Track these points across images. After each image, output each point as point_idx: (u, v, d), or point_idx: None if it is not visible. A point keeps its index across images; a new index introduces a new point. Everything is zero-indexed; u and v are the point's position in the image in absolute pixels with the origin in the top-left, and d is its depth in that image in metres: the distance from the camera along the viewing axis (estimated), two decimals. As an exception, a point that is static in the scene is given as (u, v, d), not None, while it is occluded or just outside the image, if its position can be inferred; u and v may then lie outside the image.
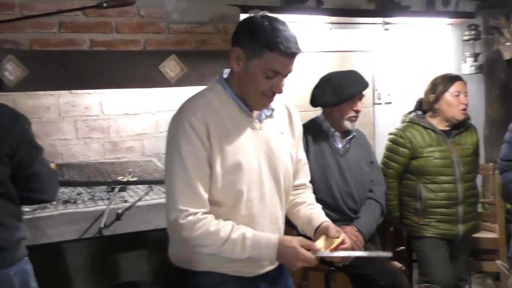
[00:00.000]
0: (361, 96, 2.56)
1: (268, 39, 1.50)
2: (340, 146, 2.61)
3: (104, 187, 2.85)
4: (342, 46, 3.74)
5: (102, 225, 2.37)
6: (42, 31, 2.27)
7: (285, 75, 1.58)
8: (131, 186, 2.86)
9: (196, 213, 1.52)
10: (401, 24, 3.75)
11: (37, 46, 2.28)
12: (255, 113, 1.65)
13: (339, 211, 2.55)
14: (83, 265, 3.02)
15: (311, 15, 3.39)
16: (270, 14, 1.57)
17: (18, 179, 1.75)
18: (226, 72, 1.67)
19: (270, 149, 1.65)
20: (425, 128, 2.80)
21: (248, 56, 1.54)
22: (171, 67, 2.52)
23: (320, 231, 1.67)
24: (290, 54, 1.51)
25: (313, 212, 1.77)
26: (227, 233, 1.53)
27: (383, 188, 2.73)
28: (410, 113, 2.96)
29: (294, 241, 1.55)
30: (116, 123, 3.49)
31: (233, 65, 1.59)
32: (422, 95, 2.92)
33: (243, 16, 2.70)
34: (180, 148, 1.53)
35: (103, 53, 2.40)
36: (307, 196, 1.86)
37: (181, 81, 2.56)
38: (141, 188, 2.87)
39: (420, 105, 2.96)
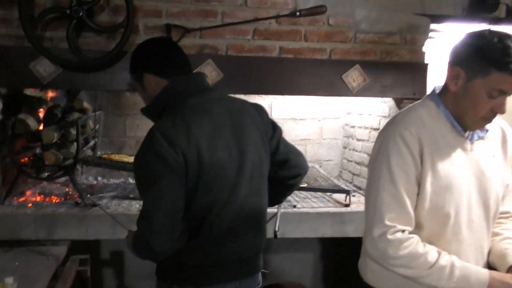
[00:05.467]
0: None
1: (497, 58, 1.38)
2: None
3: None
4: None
5: (276, 229, 2.41)
6: (238, 38, 2.40)
7: (510, 94, 1.46)
8: (295, 191, 2.90)
9: (404, 230, 1.46)
10: None
11: (232, 52, 2.41)
12: (467, 133, 1.55)
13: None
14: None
15: (500, 25, 3.12)
16: (498, 30, 1.46)
17: None
18: (438, 88, 1.59)
19: (480, 172, 1.55)
20: None
21: (469, 75, 1.44)
22: (354, 77, 2.49)
23: None
24: None
25: (509, 248, 1.60)
26: (434, 258, 1.44)
27: None
28: None
29: (508, 277, 1.44)
30: (283, 127, 3.55)
31: (449, 84, 1.50)
32: None
33: (433, 27, 2.58)
34: (390, 161, 1.48)
35: (290, 60, 2.45)
36: (507, 227, 1.69)
37: (361, 92, 2.53)
38: (306, 194, 2.90)
39: None
